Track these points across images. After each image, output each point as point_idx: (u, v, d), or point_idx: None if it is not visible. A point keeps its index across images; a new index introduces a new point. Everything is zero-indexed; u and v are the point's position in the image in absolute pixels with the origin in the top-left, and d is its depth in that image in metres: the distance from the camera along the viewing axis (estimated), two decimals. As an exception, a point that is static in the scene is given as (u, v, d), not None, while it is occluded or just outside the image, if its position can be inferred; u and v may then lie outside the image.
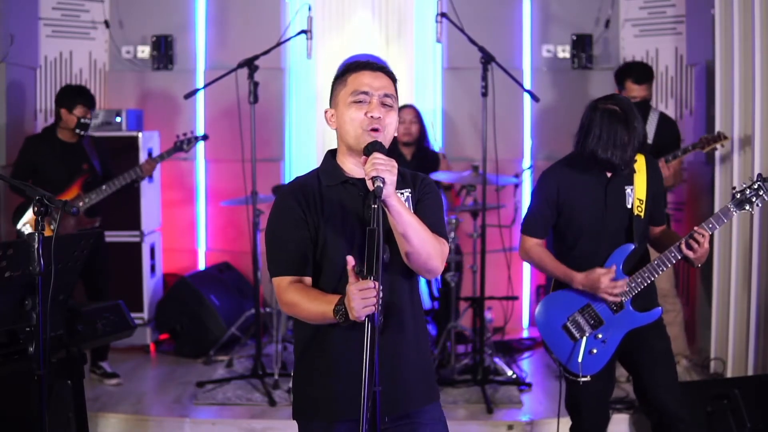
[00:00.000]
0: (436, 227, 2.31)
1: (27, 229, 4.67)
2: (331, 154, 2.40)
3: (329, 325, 2.29)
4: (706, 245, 3.10)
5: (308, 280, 2.32)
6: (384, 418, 2.24)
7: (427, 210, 2.35)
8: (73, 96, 4.89)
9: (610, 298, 3.20)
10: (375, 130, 2.26)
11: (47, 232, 2.51)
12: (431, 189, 2.41)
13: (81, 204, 4.77)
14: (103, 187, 4.83)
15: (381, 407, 2.09)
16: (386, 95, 2.30)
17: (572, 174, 3.28)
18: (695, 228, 3.11)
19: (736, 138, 4.58)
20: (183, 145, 5.03)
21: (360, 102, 2.28)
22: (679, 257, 3.15)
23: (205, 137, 5.15)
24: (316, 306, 2.23)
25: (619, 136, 3.13)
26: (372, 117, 2.26)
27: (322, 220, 2.30)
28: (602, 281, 3.18)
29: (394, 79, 2.37)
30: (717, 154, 4.76)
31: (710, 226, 3.13)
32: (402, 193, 2.30)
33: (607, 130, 3.15)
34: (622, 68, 4.95)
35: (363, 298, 2.05)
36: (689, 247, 3.10)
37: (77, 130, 4.86)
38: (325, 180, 2.35)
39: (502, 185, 5.33)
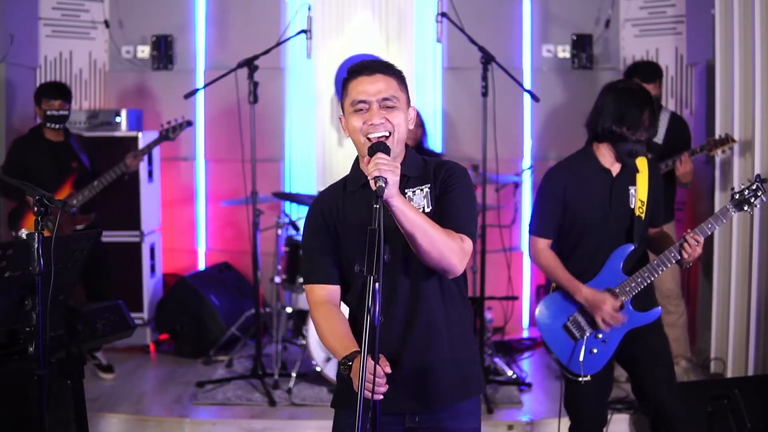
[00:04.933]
0: (458, 222, 2.26)
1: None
2: (357, 159, 2.42)
3: (360, 319, 2.27)
4: (699, 250, 3.12)
5: (334, 288, 2.37)
6: (415, 418, 2.33)
7: (450, 204, 2.30)
8: (42, 90, 4.93)
9: (603, 326, 3.21)
10: (381, 136, 2.27)
11: (47, 233, 2.52)
12: (455, 180, 2.33)
13: (74, 202, 4.80)
14: (95, 183, 4.87)
15: (409, 404, 2.29)
16: (385, 99, 2.30)
17: (577, 172, 3.29)
18: (690, 234, 3.13)
19: (736, 138, 4.57)
20: (168, 133, 5.04)
21: (360, 110, 2.30)
22: (679, 257, 3.17)
23: (189, 123, 5.12)
24: (332, 342, 2.30)
25: (631, 111, 3.18)
26: (371, 124, 2.28)
27: (343, 226, 2.34)
28: (606, 305, 3.19)
29: (396, 76, 2.34)
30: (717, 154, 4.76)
31: (709, 226, 3.16)
32: (421, 189, 2.33)
33: (620, 105, 3.19)
34: (630, 68, 4.94)
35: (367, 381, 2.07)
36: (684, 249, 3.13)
37: (48, 124, 4.86)
38: (350, 186, 2.39)
39: (502, 184, 5.32)
